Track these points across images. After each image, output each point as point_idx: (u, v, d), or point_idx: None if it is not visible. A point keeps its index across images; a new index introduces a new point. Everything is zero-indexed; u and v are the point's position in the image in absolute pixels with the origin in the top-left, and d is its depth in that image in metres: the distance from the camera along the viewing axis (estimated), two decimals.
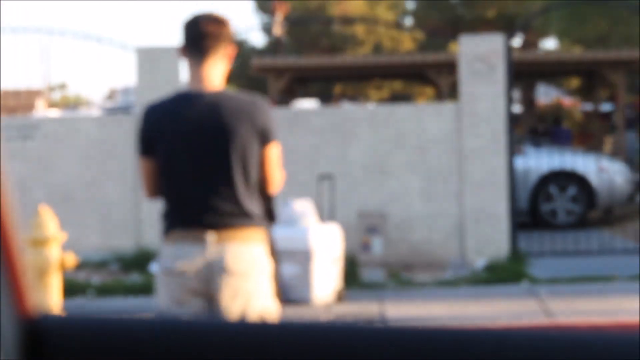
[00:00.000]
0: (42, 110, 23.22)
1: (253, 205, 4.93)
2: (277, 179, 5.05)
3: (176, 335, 1.27)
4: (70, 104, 32.97)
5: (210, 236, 4.81)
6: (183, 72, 12.98)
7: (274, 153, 4.99)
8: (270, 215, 5.91)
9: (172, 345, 1.25)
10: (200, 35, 4.99)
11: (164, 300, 4.94)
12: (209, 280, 4.80)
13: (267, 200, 5.44)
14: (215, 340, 1.26)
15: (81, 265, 11.29)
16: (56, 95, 38.87)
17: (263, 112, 4.94)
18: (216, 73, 5.01)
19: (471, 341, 1.21)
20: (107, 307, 10.50)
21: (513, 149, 13.31)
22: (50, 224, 7.67)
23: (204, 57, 4.98)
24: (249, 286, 4.84)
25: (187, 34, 5.04)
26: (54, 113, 20.63)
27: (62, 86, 38.57)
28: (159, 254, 5.04)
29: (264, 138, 4.92)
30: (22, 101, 20.78)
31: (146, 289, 10.69)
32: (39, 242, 7.55)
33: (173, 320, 1.35)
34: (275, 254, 6.31)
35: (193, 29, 5.02)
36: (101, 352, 1.25)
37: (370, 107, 16.31)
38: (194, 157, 4.88)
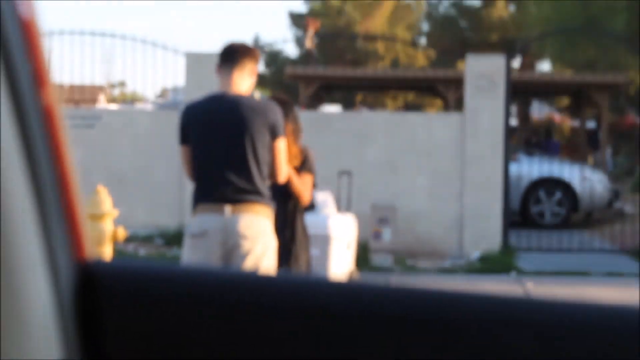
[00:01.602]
0: (103, 104, 23.27)
1: (263, 186, 5.28)
2: (284, 168, 5.42)
3: (213, 281, 1.27)
4: (128, 100, 33.03)
5: (227, 208, 5.18)
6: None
7: (281, 146, 5.36)
8: (309, 204, 6.19)
9: (211, 290, 1.25)
10: (232, 51, 5.46)
11: (190, 261, 5.30)
12: (226, 242, 5.18)
13: (299, 192, 5.81)
14: (255, 290, 1.25)
15: (130, 239, 11.34)
16: (116, 92, 38.92)
17: (273, 112, 5.36)
18: (242, 83, 5.42)
19: (459, 302, 1.20)
20: None
21: (508, 156, 13.28)
22: (106, 201, 7.70)
23: (233, 68, 5.40)
24: (258, 250, 5.20)
25: (222, 52, 5.50)
26: (113, 107, 20.68)
27: (121, 84, 38.62)
28: (187, 224, 5.51)
29: (274, 133, 5.30)
30: (86, 95, 20.82)
31: None
32: (96, 217, 7.58)
33: (211, 269, 1.37)
34: (308, 237, 6.35)
35: (227, 48, 5.51)
36: (146, 292, 1.25)
37: (385, 114, 16.28)
38: (216, 145, 5.28)
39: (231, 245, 5.18)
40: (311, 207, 6.62)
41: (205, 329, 1.22)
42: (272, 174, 5.36)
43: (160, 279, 1.26)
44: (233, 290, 1.24)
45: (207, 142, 5.29)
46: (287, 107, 6.00)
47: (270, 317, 1.21)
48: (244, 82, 5.43)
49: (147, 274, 1.27)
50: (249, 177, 5.22)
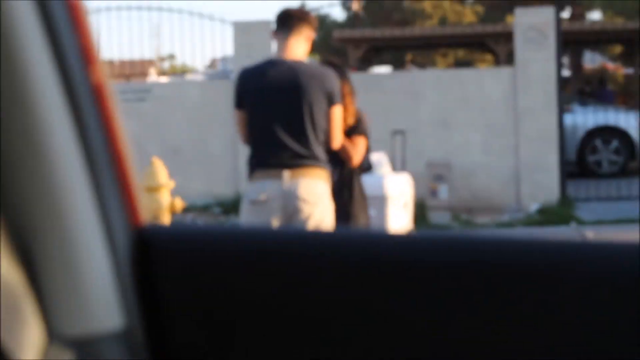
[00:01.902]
0: (153, 77, 23.39)
1: (320, 151, 5.24)
2: (338, 135, 5.37)
3: (267, 240, 1.27)
4: (178, 72, 33.16)
5: (286, 173, 5.16)
6: (274, 43, 12.97)
7: (337, 113, 5.32)
8: (365, 165, 6.19)
9: (265, 250, 1.24)
10: (288, 16, 5.43)
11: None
12: (286, 207, 5.16)
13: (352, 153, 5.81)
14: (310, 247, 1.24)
15: (187, 209, 11.41)
16: (166, 65, 39.08)
17: (331, 79, 5.31)
18: (298, 48, 5.39)
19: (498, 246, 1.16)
20: None
21: (562, 107, 13.15)
22: (162, 173, 7.74)
23: (289, 33, 5.38)
24: (318, 213, 5.19)
25: (278, 18, 5.47)
26: (164, 79, 20.76)
27: (171, 56, 38.75)
28: (245, 190, 5.40)
29: (330, 100, 5.26)
30: (137, 69, 20.94)
31: None
32: (153, 189, 7.62)
33: (263, 229, 1.37)
34: (366, 198, 6.35)
35: (283, 13, 5.48)
36: (200, 254, 1.25)
37: (436, 72, 16.18)
38: (273, 110, 5.24)
39: (291, 210, 5.17)
40: (368, 168, 6.62)
41: (259, 289, 1.22)
42: (327, 140, 5.33)
43: (213, 241, 1.26)
44: (286, 248, 1.23)
45: (264, 107, 5.26)
46: (341, 70, 6.01)
47: (326, 273, 1.19)
48: (300, 47, 5.40)
49: (201, 236, 1.28)
50: (306, 142, 5.20)
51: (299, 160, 5.19)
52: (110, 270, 1.17)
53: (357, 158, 5.97)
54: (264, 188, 5.19)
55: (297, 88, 5.23)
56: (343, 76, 5.99)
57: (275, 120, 5.23)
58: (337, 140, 5.39)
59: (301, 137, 5.21)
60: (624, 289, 1.08)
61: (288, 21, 5.39)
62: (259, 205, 5.20)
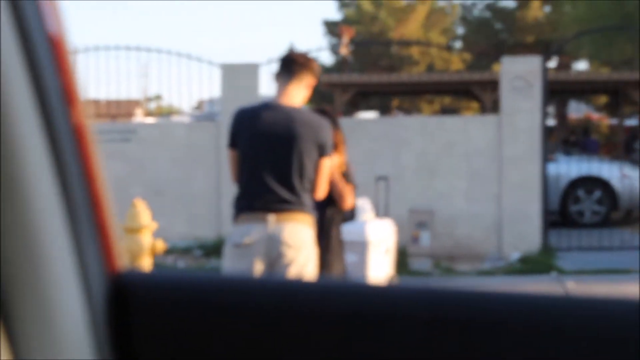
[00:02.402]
0: (139, 118, 23.36)
1: (306, 197, 5.23)
2: (323, 186, 5.37)
3: (246, 289, 1.26)
4: (164, 113, 33.10)
5: (271, 217, 5.14)
6: (261, 85, 13.02)
7: (326, 165, 5.32)
8: (347, 214, 6.22)
9: (244, 299, 1.24)
10: (292, 62, 5.40)
11: (232, 270, 5.21)
12: (270, 251, 5.14)
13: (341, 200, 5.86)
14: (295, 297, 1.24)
15: (169, 251, 11.39)
16: (152, 105, 39.01)
17: (325, 130, 5.30)
18: (297, 94, 5.38)
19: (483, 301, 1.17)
20: None
21: (546, 157, 13.20)
22: (144, 214, 7.73)
23: (291, 78, 5.37)
24: (302, 258, 5.17)
25: (282, 62, 5.45)
26: (150, 120, 20.77)
27: (158, 97, 38.72)
28: (230, 233, 5.35)
29: (322, 151, 5.27)
30: (123, 109, 20.94)
31: None
32: (134, 230, 7.61)
33: (246, 277, 1.34)
34: (342, 246, 6.37)
35: (287, 57, 5.46)
36: (177, 301, 1.25)
37: (421, 118, 16.23)
38: (264, 155, 5.22)
39: (275, 255, 5.15)
40: (351, 216, 6.67)
41: (236, 338, 1.21)
42: (313, 189, 5.32)
43: (192, 289, 1.25)
44: (266, 297, 1.23)
45: (256, 150, 5.23)
46: (333, 119, 6.05)
47: (304, 323, 1.20)
48: (299, 94, 5.39)
49: (179, 284, 1.27)
50: (292, 188, 5.18)
51: (284, 205, 5.17)
52: (84, 316, 1.17)
53: (349, 200, 6.01)
54: (249, 231, 5.16)
55: (290, 135, 5.20)
56: (335, 125, 6.03)
57: (264, 164, 5.21)
58: (322, 191, 5.37)
59: (288, 183, 5.18)
60: (604, 343, 1.09)
61: (291, 66, 5.37)
62: (242, 249, 5.16)
